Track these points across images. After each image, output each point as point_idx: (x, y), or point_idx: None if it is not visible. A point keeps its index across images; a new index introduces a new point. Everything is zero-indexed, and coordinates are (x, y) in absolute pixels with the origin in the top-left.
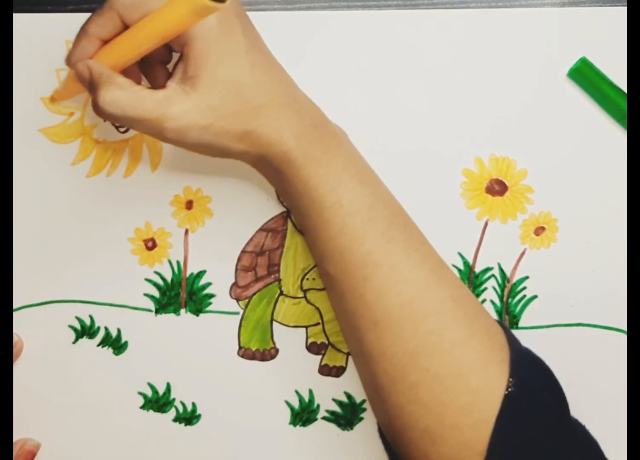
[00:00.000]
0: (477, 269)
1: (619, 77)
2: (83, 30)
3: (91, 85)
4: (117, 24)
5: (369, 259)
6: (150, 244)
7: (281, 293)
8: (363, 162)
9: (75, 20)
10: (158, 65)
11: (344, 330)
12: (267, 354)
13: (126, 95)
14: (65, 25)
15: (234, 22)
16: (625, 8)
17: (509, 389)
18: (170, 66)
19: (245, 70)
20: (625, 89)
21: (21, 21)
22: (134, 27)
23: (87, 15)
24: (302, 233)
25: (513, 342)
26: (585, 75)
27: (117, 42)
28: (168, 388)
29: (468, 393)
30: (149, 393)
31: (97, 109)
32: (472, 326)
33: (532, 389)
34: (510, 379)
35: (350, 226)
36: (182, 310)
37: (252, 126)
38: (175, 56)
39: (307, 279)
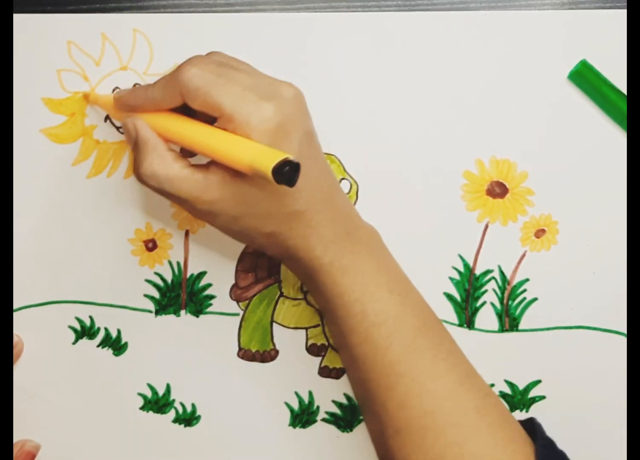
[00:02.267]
0: (478, 271)
1: (619, 79)
2: (146, 88)
3: (135, 147)
4: (177, 100)
5: (392, 369)
6: (151, 245)
7: (281, 294)
8: (394, 268)
9: (76, 20)
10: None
11: (371, 431)
12: (267, 355)
13: (166, 171)
14: (66, 25)
15: (293, 128)
16: (625, 11)
17: None
18: None
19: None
20: (625, 92)
21: (21, 21)
22: (199, 128)
23: (87, 15)
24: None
25: (544, 448)
26: (585, 77)
27: (176, 125)
28: (168, 389)
29: None
30: (149, 394)
31: (137, 175)
32: (494, 437)
33: None
34: None
35: (374, 336)
36: (182, 311)
37: (281, 229)
38: None
39: None
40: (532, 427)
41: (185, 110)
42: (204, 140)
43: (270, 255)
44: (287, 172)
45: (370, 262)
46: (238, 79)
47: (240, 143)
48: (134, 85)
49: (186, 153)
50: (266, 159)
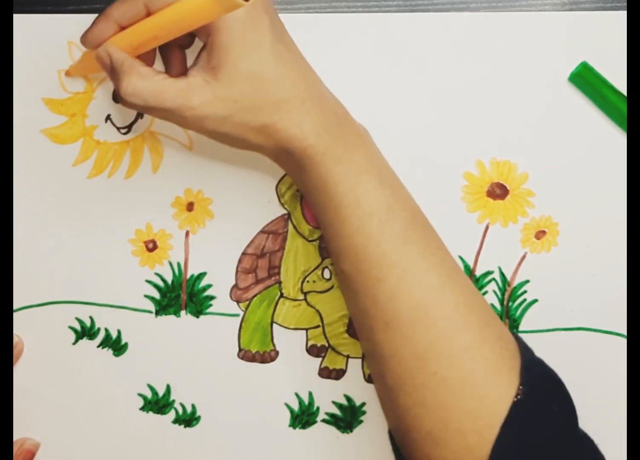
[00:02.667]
0: (478, 273)
1: (620, 81)
2: (105, 13)
3: (112, 73)
4: (140, 12)
5: (383, 260)
6: (151, 246)
7: (281, 295)
8: (384, 163)
9: (76, 20)
10: (177, 50)
11: (358, 328)
12: (267, 356)
13: (148, 86)
14: (66, 25)
15: (261, 16)
16: (625, 12)
17: (518, 397)
18: (188, 52)
19: (269, 64)
20: (625, 93)
21: (21, 21)
22: (157, 14)
23: (87, 15)
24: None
25: (525, 352)
26: (586, 79)
27: (139, 27)
28: (168, 390)
29: (474, 399)
30: (149, 394)
31: (119, 98)
32: (483, 333)
33: (542, 398)
34: (521, 387)
35: (367, 226)
36: (183, 312)
37: (272, 120)
38: (197, 45)
39: (308, 281)
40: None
41: None
42: (167, 14)
43: (265, 154)
44: None
45: (362, 153)
46: None
47: None
48: None
49: (171, 73)
50: None
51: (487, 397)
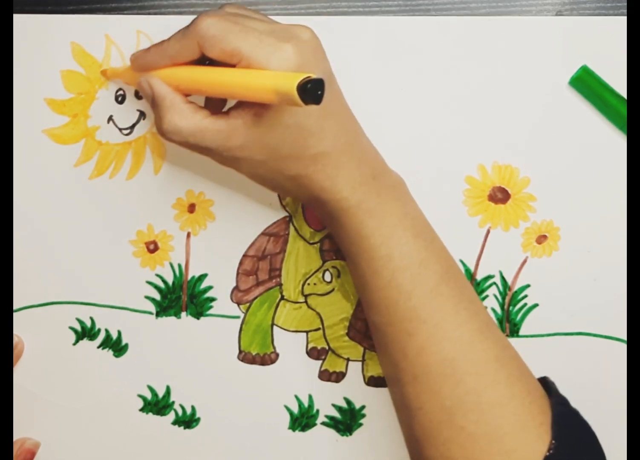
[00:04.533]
0: (479, 277)
1: (620, 85)
2: (161, 45)
3: (153, 105)
4: (194, 52)
5: (414, 314)
6: (152, 247)
7: (282, 298)
8: (420, 215)
9: (76, 20)
10: None
11: (387, 378)
12: (267, 358)
13: (188, 125)
14: (66, 25)
15: (313, 68)
16: (625, 18)
17: (550, 452)
18: None
19: (312, 117)
20: (625, 97)
21: (21, 21)
22: (218, 71)
23: (87, 15)
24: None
25: (557, 405)
26: (586, 83)
27: (191, 75)
28: (168, 391)
29: (502, 454)
30: (149, 396)
31: (160, 133)
32: (512, 388)
33: (573, 453)
34: (553, 442)
35: (398, 280)
36: (183, 314)
37: (307, 171)
38: None
39: (308, 284)
40: (545, 385)
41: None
42: (223, 78)
43: (296, 199)
44: (312, 89)
45: (397, 206)
46: (254, 25)
47: (261, 73)
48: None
49: (210, 107)
50: (289, 80)
51: (516, 452)
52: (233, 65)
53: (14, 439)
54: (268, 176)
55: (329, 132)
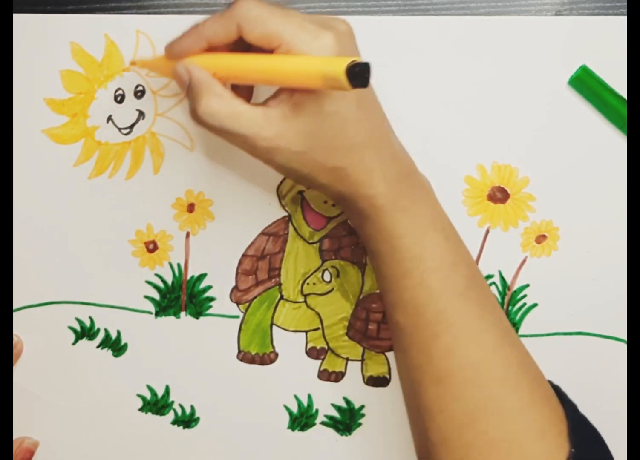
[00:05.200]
0: None
1: (620, 84)
2: (196, 27)
3: (190, 91)
4: (232, 34)
5: (442, 316)
6: (151, 247)
7: (281, 297)
8: (447, 218)
9: (76, 20)
10: None
11: (403, 381)
12: (266, 358)
13: (226, 108)
14: (66, 25)
15: (349, 55)
16: (625, 17)
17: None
18: None
19: (351, 107)
20: (625, 97)
21: (21, 21)
22: (260, 57)
23: (87, 15)
24: (377, 280)
25: (571, 412)
26: (585, 83)
27: (235, 60)
28: (167, 391)
29: None
30: (148, 395)
31: (195, 117)
32: (533, 395)
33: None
34: (572, 450)
35: (428, 281)
36: (182, 313)
37: (345, 163)
38: None
39: (308, 283)
40: (556, 391)
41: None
42: (267, 64)
43: (330, 195)
44: (360, 72)
45: (428, 206)
46: (295, 13)
47: (305, 58)
48: (137, 86)
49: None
50: (337, 64)
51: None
52: (270, 51)
53: (14, 437)
54: (303, 170)
55: (367, 123)
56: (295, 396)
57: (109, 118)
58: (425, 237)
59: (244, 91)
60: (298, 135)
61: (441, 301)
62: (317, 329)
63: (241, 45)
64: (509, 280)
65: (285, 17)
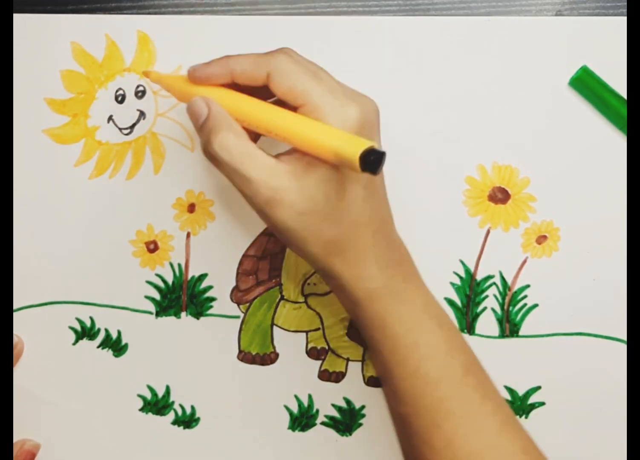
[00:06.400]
0: (479, 277)
1: (620, 85)
2: (227, 59)
3: (206, 123)
4: (260, 79)
5: (441, 405)
6: (152, 247)
7: (282, 297)
8: (439, 305)
9: (76, 20)
10: None
11: None
12: (267, 358)
13: (241, 148)
14: (66, 25)
15: (373, 134)
16: (625, 18)
17: None
18: None
19: (360, 184)
20: (625, 97)
21: (21, 21)
22: (282, 113)
23: (87, 15)
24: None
25: None
26: (586, 83)
27: (257, 108)
28: (167, 391)
29: None
30: (149, 395)
31: (209, 149)
32: None
33: None
34: None
35: (425, 369)
36: (183, 313)
37: (341, 238)
38: None
39: (308, 284)
40: None
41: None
42: (285, 122)
43: (319, 270)
44: (373, 160)
45: (421, 293)
46: (327, 79)
47: (324, 128)
48: (137, 86)
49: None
50: (353, 146)
51: None
52: (292, 107)
53: (14, 438)
54: (298, 233)
55: (371, 205)
56: (296, 396)
57: (110, 118)
58: (420, 325)
59: (251, 135)
60: (303, 196)
61: (439, 389)
62: (318, 329)
63: (264, 93)
64: (509, 281)
65: (316, 79)
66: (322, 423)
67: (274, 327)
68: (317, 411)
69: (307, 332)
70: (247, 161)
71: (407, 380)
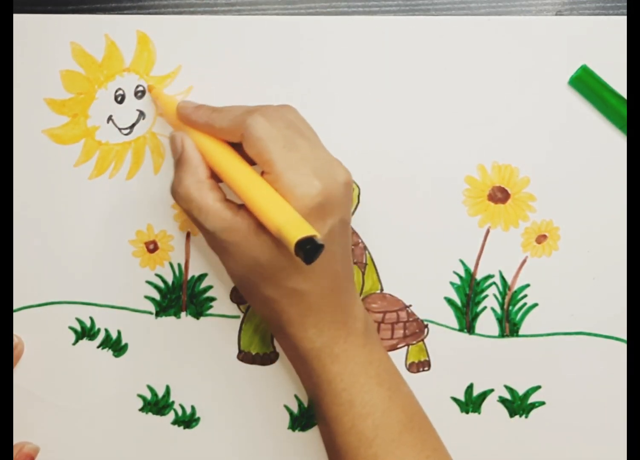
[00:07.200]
0: (479, 277)
1: (620, 84)
2: (214, 111)
3: (177, 162)
4: (235, 138)
5: None
6: (152, 247)
7: None
8: (386, 361)
9: (76, 20)
10: None
11: None
12: (267, 358)
13: (200, 199)
14: (66, 25)
15: (332, 213)
16: (625, 17)
17: None
18: None
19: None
20: (625, 97)
21: (21, 21)
22: (246, 174)
23: (88, 16)
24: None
25: None
26: (586, 83)
27: (225, 160)
28: (167, 391)
29: None
30: (148, 395)
31: (173, 191)
32: None
33: None
34: None
35: (359, 427)
36: (183, 313)
37: (280, 300)
38: None
39: None
40: None
41: (237, 145)
42: (245, 184)
43: (262, 318)
44: (308, 250)
45: (362, 353)
46: (300, 146)
47: (277, 203)
48: (137, 86)
49: (216, 177)
50: (294, 229)
51: None
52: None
53: (14, 439)
54: (244, 283)
55: (318, 275)
56: (296, 396)
57: (110, 118)
58: (356, 384)
59: None
60: (248, 255)
61: (373, 447)
62: None
63: None
64: (509, 280)
65: (286, 149)
66: None
67: None
68: None
69: None
70: (203, 213)
71: (343, 436)
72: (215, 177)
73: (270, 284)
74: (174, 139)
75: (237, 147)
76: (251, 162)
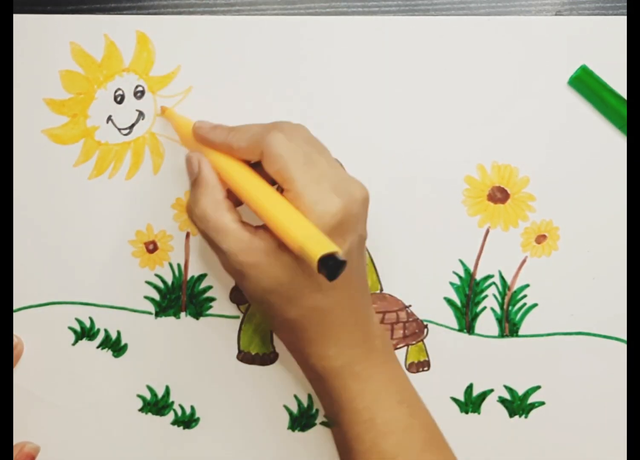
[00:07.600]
0: (478, 277)
1: (619, 84)
2: (231, 131)
3: (193, 184)
4: (254, 157)
5: None
6: (151, 247)
7: None
8: (405, 380)
9: (76, 20)
10: None
11: None
12: (266, 358)
13: (216, 221)
14: (66, 25)
15: (352, 229)
16: (625, 17)
17: None
18: None
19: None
20: (625, 97)
21: (21, 21)
22: (266, 193)
23: (88, 16)
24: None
25: None
26: (585, 83)
27: (243, 181)
28: (167, 391)
29: None
30: (148, 396)
31: (188, 211)
32: None
33: None
34: None
35: (381, 446)
36: (182, 314)
37: (302, 319)
38: None
39: None
40: None
41: (255, 164)
42: (265, 202)
43: (283, 341)
44: (331, 266)
45: (382, 371)
46: (318, 162)
47: (298, 220)
48: (136, 86)
49: (232, 197)
50: (317, 246)
51: None
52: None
53: (14, 439)
54: (264, 306)
55: (339, 291)
56: (296, 396)
57: (109, 118)
58: (377, 402)
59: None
60: (269, 275)
61: None
62: None
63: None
64: (509, 280)
65: (306, 167)
66: (322, 423)
67: None
68: (317, 411)
69: None
70: (221, 234)
71: (364, 454)
72: (232, 198)
73: (291, 304)
74: (191, 160)
75: (253, 166)
76: (268, 181)
